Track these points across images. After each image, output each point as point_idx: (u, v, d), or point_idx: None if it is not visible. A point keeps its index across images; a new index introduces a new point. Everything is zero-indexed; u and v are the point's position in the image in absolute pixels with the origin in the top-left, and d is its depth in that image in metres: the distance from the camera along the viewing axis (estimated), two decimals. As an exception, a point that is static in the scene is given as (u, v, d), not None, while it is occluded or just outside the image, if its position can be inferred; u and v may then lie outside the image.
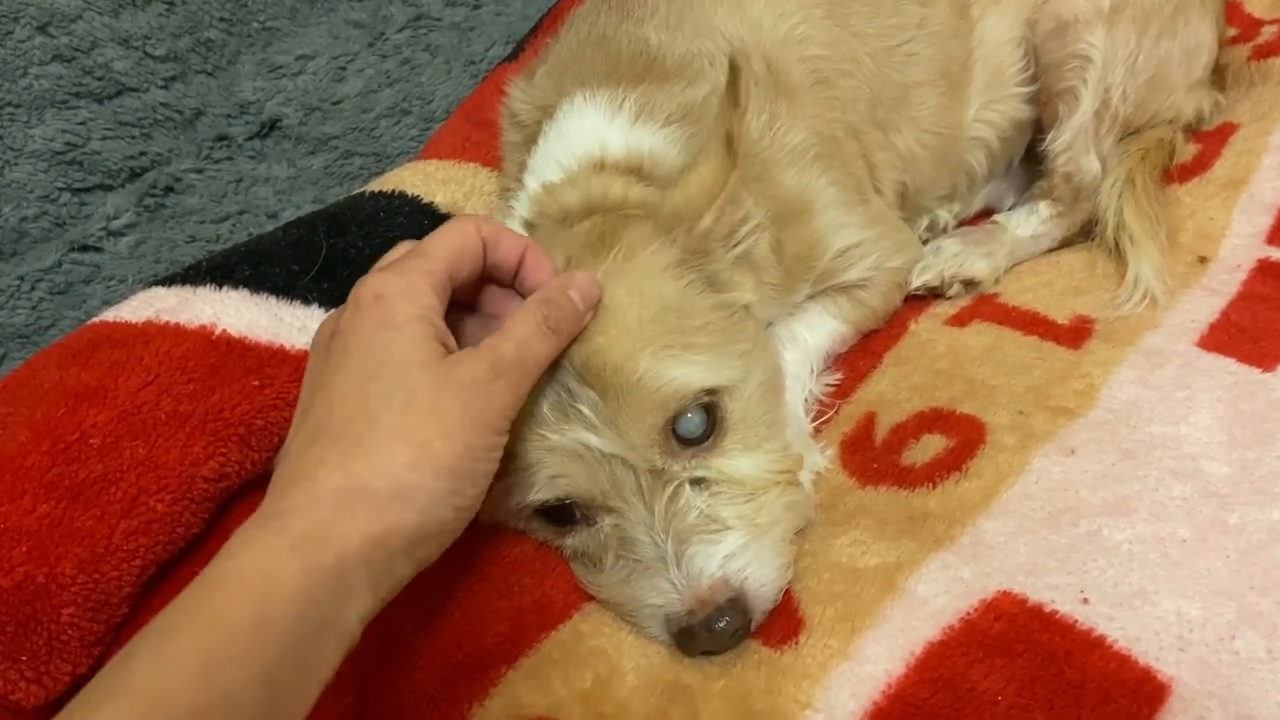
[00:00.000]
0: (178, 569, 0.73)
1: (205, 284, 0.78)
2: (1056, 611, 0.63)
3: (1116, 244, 0.95)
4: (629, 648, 0.65)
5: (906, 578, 0.67)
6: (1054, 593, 0.64)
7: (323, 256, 0.79)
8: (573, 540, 0.71)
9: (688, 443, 0.68)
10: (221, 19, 1.27)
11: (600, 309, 0.67)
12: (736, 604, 0.65)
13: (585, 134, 0.80)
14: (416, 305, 0.59)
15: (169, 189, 1.16)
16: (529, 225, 0.80)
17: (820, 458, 0.81)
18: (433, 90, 1.33)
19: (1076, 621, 0.63)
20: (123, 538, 0.68)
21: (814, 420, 0.85)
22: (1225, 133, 1.04)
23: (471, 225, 0.65)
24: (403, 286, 0.60)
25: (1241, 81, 1.10)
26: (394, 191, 0.90)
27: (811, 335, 0.88)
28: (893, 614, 0.65)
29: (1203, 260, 0.95)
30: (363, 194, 0.89)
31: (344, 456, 0.54)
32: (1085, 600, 0.64)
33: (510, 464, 0.68)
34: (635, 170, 0.78)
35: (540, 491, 0.68)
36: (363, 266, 0.81)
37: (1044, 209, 1.00)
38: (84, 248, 1.08)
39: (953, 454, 0.78)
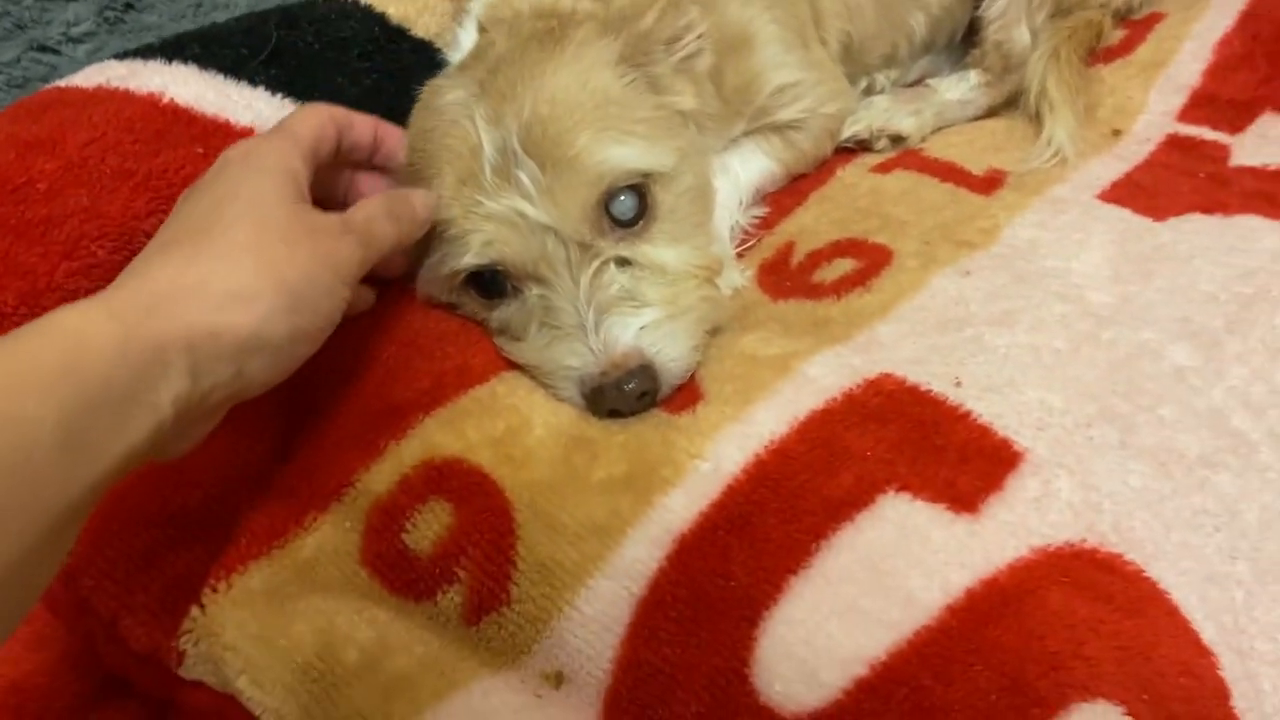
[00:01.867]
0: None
1: (156, 58, 0.80)
2: (931, 390, 0.69)
3: (1038, 111, 1.00)
4: (540, 405, 0.70)
5: (801, 363, 0.72)
6: (931, 377, 0.70)
7: (272, 44, 0.82)
8: (499, 313, 0.75)
9: (618, 224, 0.74)
10: None
11: (544, 90, 0.71)
12: (646, 370, 0.70)
13: None
14: (283, 160, 0.62)
15: (129, 6, 1.17)
16: (481, 28, 0.83)
17: (739, 276, 0.86)
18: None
19: (947, 398, 0.69)
20: (63, 277, 0.71)
21: (737, 247, 0.90)
22: (1152, 20, 1.09)
23: (324, 109, 0.69)
24: (271, 148, 0.63)
25: (1174, -24, 1.15)
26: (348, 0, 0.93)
27: (743, 169, 0.93)
28: (784, 389, 0.70)
29: (1117, 133, 1.00)
30: (316, -1, 0.92)
31: (187, 258, 0.55)
32: (958, 384, 0.70)
33: (445, 232, 0.73)
34: None
35: (475, 256, 0.72)
36: (311, 59, 0.85)
37: (974, 76, 1.05)
38: (43, 48, 1.09)
39: (860, 273, 0.83)
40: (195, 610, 0.65)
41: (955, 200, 0.91)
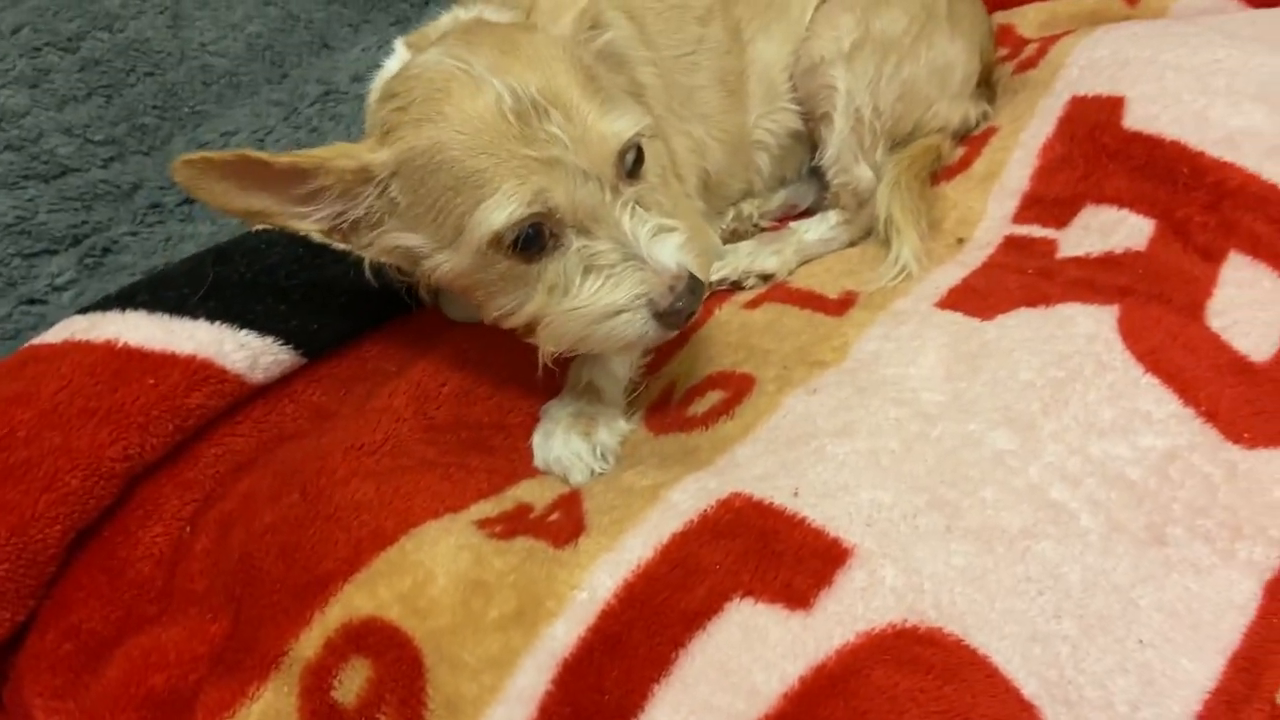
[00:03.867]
0: (95, 535, 0.90)
1: (112, 308, 0.96)
2: (773, 503, 0.80)
3: (887, 236, 1.13)
4: (441, 557, 0.80)
5: (668, 490, 0.83)
6: (774, 490, 0.81)
7: (209, 281, 0.98)
8: (540, 270, 0.81)
9: (627, 173, 0.83)
10: (155, 107, 1.48)
11: (538, 52, 0.80)
12: (695, 282, 0.81)
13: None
14: None
15: (106, 250, 1.35)
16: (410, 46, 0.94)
17: (627, 425, 0.97)
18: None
19: (786, 508, 0.79)
20: (45, 507, 0.85)
21: (628, 395, 1.02)
22: (987, 135, 1.23)
23: None
24: None
25: (1007, 92, 1.29)
26: (274, 228, 1.08)
27: None
28: (651, 516, 0.81)
29: (960, 241, 1.13)
30: (248, 232, 1.08)
31: None
32: (796, 494, 0.80)
33: (474, 186, 0.76)
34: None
35: (527, 206, 0.75)
36: (244, 287, 1.00)
37: (833, 216, 1.18)
38: (31, 301, 1.26)
39: (725, 403, 0.95)
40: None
41: (812, 325, 1.03)
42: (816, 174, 1.23)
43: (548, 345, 0.86)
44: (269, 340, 0.98)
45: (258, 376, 0.98)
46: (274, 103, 1.59)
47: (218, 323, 0.96)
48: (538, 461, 0.95)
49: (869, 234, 1.19)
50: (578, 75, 0.81)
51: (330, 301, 0.99)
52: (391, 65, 0.96)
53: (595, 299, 0.80)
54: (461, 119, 0.77)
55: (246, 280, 1.00)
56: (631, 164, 0.84)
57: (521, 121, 0.76)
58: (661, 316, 0.80)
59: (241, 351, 0.96)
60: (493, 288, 0.84)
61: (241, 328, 0.97)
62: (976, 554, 0.77)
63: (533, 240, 0.79)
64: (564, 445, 0.92)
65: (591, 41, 0.89)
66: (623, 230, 0.80)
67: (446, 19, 0.97)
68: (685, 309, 0.81)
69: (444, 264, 0.83)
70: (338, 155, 0.81)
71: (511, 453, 0.98)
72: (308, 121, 1.56)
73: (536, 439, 0.96)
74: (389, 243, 0.85)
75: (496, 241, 0.78)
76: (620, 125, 0.80)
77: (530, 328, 0.86)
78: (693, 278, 0.81)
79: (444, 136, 0.78)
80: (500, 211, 0.76)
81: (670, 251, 0.81)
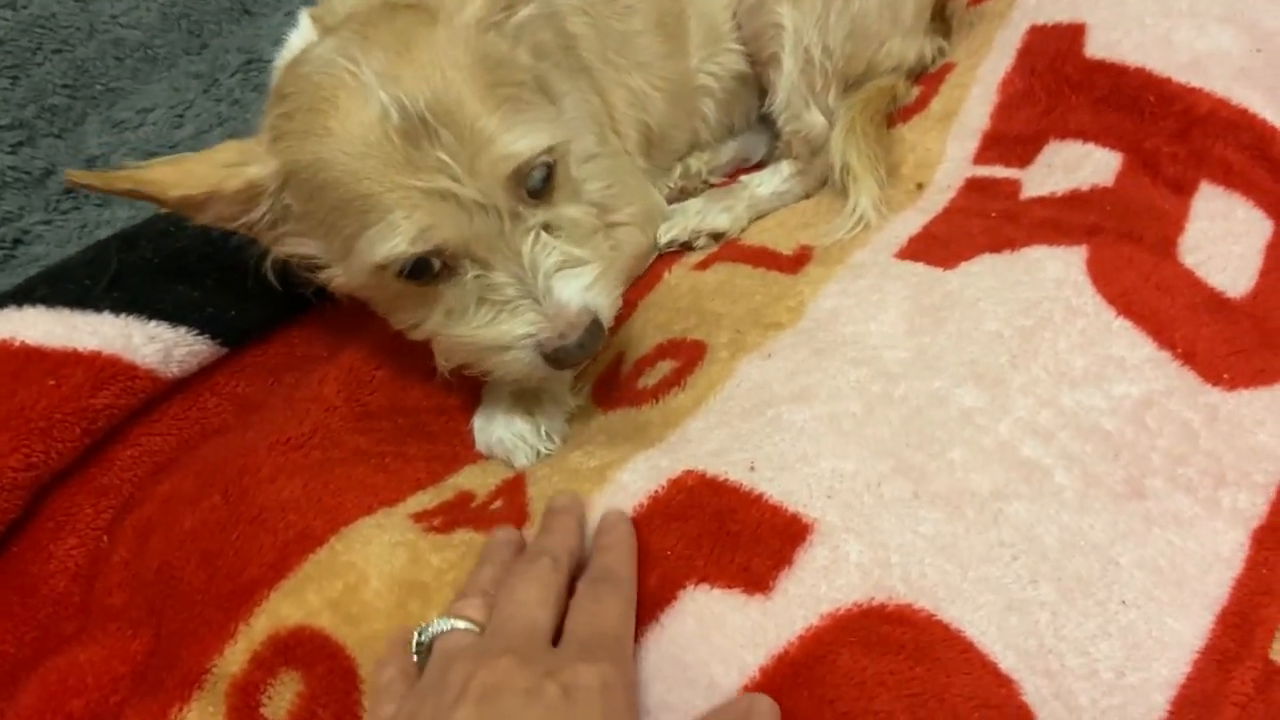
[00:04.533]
0: (3, 551, 0.83)
1: (7, 305, 0.88)
2: (727, 480, 0.74)
3: (844, 185, 1.06)
4: (375, 557, 0.75)
5: (617, 471, 0.78)
6: (729, 466, 0.75)
7: (113, 269, 0.90)
8: (436, 291, 0.77)
9: (532, 193, 0.77)
10: (65, 86, 1.38)
11: (436, 52, 0.72)
12: (595, 325, 0.77)
13: None
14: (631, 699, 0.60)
15: (18, 241, 1.27)
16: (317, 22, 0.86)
17: (574, 402, 0.91)
18: (256, 124, 1.44)
19: (741, 485, 0.73)
20: (-62, 528, 0.78)
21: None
22: (944, 72, 1.16)
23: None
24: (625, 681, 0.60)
25: (964, 25, 1.22)
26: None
27: None
28: (598, 501, 0.75)
29: (920, 186, 1.07)
30: (155, 215, 1.00)
31: None
32: (752, 468, 0.75)
33: (360, 212, 0.72)
34: None
35: (414, 244, 0.71)
36: (152, 274, 0.93)
37: (786, 167, 1.11)
38: (-59, 297, 1.18)
39: (676, 373, 0.89)
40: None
41: (766, 284, 0.97)
42: (767, 123, 1.16)
43: (441, 360, 0.83)
44: (182, 331, 0.91)
45: (173, 371, 0.91)
46: (193, 75, 1.50)
47: (124, 315, 0.89)
48: (480, 446, 0.89)
49: (825, 184, 1.12)
50: (479, 81, 0.74)
51: (249, 286, 0.91)
52: (295, 42, 0.88)
53: (483, 331, 0.77)
54: (346, 138, 0.72)
55: (155, 267, 0.93)
56: (540, 182, 0.77)
57: (409, 144, 0.70)
58: (551, 358, 0.77)
59: (152, 345, 0.89)
60: (390, 304, 0.82)
61: (151, 319, 0.90)
62: (946, 521, 0.72)
63: (423, 269, 0.75)
64: (506, 427, 0.87)
65: (505, 23, 0.81)
66: (521, 263, 0.75)
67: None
68: (576, 355, 0.77)
69: (339, 276, 0.80)
70: (225, 175, 0.76)
71: (453, 436, 0.92)
72: (229, 93, 1.47)
73: (477, 422, 0.90)
74: (289, 247, 0.82)
75: (383, 269, 0.75)
76: (521, 144, 0.73)
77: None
78: (596, 321, 0.77)
79: (328, 155, 0.73)
80: (384, 244, 0.72)
81: (573, 290, 0.77)
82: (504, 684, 0.56)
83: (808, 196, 1.13)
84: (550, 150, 0.76)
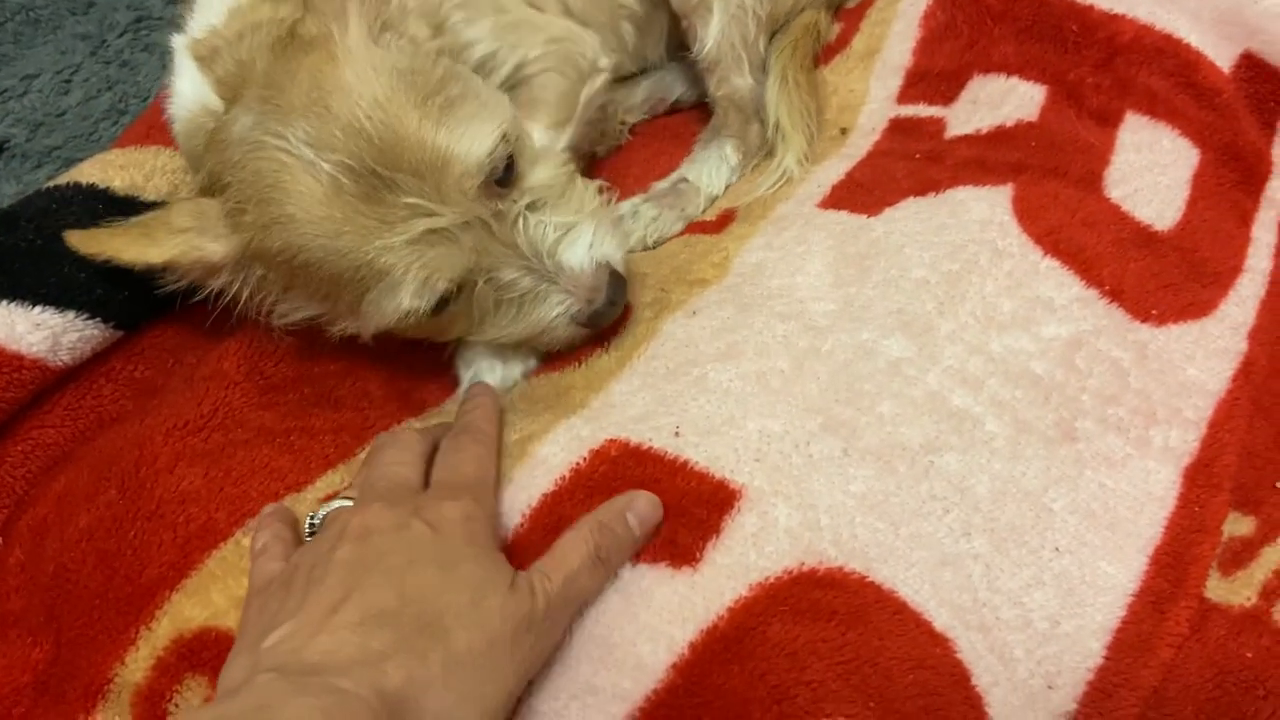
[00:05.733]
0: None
1: None
2: (651, 447, 0.71)
3: (774, 146, 1.01)
4: (285, 549, 0.71)
5: (537, 444, 0.74)
6: (653, 432, 0.72)
7: (-11, 254, 0.83)
8: (455, 311, 0.76)
9: (501, 183, 0.75)
10: (-57, 55, 1.28)
11: (352, 93, 0.69)
12: (615, 277, 0.79)
13: None
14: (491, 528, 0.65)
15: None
16: (204, 65, 0.79)
17: (535, 361, 0.87)
18: (149, 87, 1.36)
19: (666, 452, 0.71)
20: None
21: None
22: (864, 6, 1.12)
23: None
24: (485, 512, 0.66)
25: (883, -42, 1.18)
26: (68, 184, 0.93)
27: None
28: (519, 477, 0.72)
29: (844, 131, 1.03)
30: (37, 191, 0.93)
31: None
32: (677, 434, 0.72)
33: (358, 280, 0.71)
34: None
35: (420, 298, 0.71)
36: (35, 256, 0.86)
37: (731, 153, 1.03)
38: None
39: (602, 334, 0.85)
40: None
41: (689, 245, 0.93)
42: (678, 60, 1.10)
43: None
44: (70, 316, 0.84)
45: (63, 359, 0.84)
46: (80, 36, 1.41)
47: (5, 302, 0.82)
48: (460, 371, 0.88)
49: (763, 148, 1.05)
50: (406, 105, 0.70)
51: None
52: (186, 91, 0.82)
53: (514, 327, 0.79)
54: (310, 220, 0.69)
55: (37, 248, 0.86)
56: (505, 171, 0.75)
57: (373, 204, 0.68)
58: (589, 323, 0.79)
59: (38, 332, 0.83)
60: (415, 333, 0.80)
61: (35, 304, 0.83)
62: (876, 477, 0.70)
63: (439, 306, 0.74)
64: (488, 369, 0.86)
65: (390, 15, 0.75)
66: (523, 255, 0.76)
67: (224, 12, 0.80)
68: (610, 312, 0.79)
69: (352, 328, 0.78)
70: (181, 244, 0.74)
71: (361, 400, 0.86)
72: (118, 55, 1.38)
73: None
74: (288, 317, 0.79)
75: (410, 320, 0.74)
76: (476, 148, 0.71)
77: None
78: (612, 272, 0.79)
79: (299, 240, 0.70)
80: (390, 304, 0.72)
81: (580, 255, 0.78)
82: (376, 525, 0.62)
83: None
84: (504, 138, 0.74)
